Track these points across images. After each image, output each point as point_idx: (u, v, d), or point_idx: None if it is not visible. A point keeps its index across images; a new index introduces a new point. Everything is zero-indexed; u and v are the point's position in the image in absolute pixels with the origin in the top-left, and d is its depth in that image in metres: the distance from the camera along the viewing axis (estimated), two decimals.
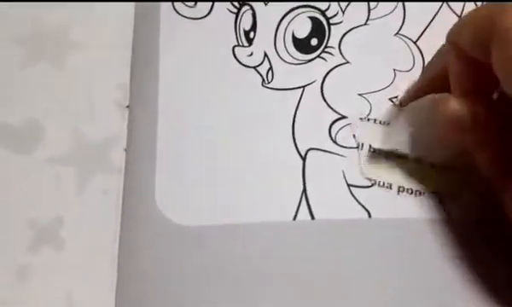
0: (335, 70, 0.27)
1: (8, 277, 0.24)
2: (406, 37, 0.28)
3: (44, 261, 0.24)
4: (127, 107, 0.27)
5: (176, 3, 0.28)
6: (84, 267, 0.24)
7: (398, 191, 0.25)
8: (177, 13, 0.28)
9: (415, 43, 0.28)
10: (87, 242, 0.25)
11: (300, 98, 0.27)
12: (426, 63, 0.27)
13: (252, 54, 0.28)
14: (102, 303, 0.23)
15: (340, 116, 0.26)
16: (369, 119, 0.26)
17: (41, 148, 0.26)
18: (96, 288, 0.24)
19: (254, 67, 0.27)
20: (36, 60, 0.28)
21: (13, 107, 0.27)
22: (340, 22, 0.28)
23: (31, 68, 0.28)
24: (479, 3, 0.28)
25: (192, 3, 0.28)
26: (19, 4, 0.29)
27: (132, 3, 0.29)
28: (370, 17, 0.28)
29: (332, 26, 0.28)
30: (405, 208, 0.24)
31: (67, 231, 0.25)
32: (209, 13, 0.28)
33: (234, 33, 0.28)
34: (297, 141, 0.26)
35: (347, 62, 0.28)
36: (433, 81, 0.24)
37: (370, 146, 0.25)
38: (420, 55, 0.28)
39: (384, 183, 0.25)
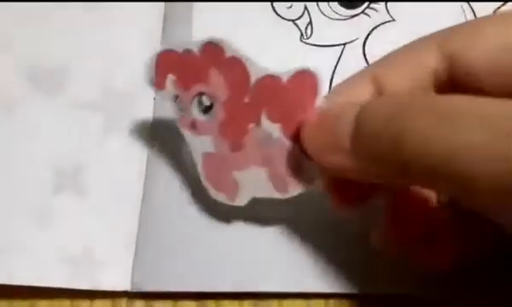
0: (380, 27, 0.26)
1: (27, 221, 0.23)
2: None
3: (66, 207, 0.24)
4: None
5: None
6: (106, 215, 0.24)
7: None
8: None
9: (468, 2, 0.26)
10: (110, 190, 0.24)
11: (340, 56, 0.25)
12: None
13: (291, 6, 0.26)
14: (122, 252, 0.23)
15: None
16: None
17: (69, 93, 0.26)
18: (116, 237, 0.23)
19: (293, 21, 0.26)
20: (67, 3, 0.27)
21: (43, 50, 0.26)
22: None
23: (61, 11, 0.27)
24: None
25: None
26: None
27: None
28: None
29: None
30: None
31: (90, 177, 0.24)
32: None
33: None
34: None
35: (393, 20, 0.26)
36: None
37: None
38: (472, 16, 0.25)
39: None
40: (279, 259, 0.22)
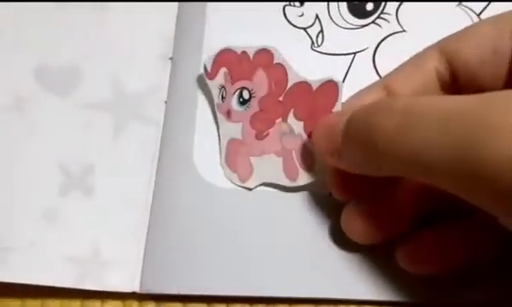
0: (390, 38, 0.26)
1: (36, 221, 0.23)
2: (469, 8, 0.26)
3: (73, 207, 0.24)
4: (170, 58, 0.26)
5: None
6: (115, 215, 0.24)
7: None
8: None
9: (478, 15, 0.26)
10: (118, 192, 0.24)
11: (350, 65, 0.26)
12: None
13: (303, 14, 0.26)
14: (131, 253, 0.23)
15: None
16: None
17: (78, 93, 0.26)
18: (125, 239, 0.23)
19: (304, 29, 0.26)
20: (78, 3, 0.27)
21: (54, 50, 0.26)
22: None
23: (71, 11, 0.27)
24: None
25: None
26: None
27: None
28: None
29: None
30: None
31: (100, 178, 0.24)
32: None
33: None
34: None
35: (403, 31, 0.26)
36: None
37: None
38: None
39: None
40: (290, 264, 0.22)
